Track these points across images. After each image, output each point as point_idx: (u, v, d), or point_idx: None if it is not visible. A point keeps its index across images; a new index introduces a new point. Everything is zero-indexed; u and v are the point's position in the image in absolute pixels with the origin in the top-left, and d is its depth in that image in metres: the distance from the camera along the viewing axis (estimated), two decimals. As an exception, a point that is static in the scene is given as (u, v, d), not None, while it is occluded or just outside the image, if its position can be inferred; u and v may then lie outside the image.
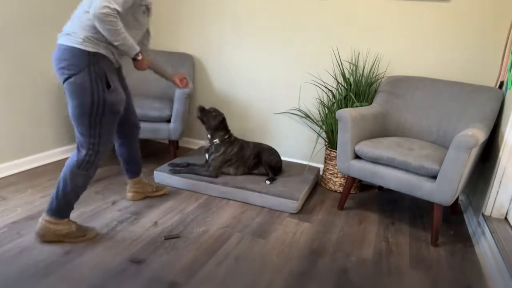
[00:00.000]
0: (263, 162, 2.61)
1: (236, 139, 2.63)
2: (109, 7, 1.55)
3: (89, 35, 1.63)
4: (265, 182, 2.50)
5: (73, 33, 1.64)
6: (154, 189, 2.38)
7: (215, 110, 2.53)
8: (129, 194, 2.31)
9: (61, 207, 1.77)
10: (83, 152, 1.73)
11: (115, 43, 1.65)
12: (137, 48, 1.74)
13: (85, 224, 1.93)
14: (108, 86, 1.67)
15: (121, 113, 1.79)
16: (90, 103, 1.64)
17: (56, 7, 2.70)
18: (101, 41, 1.65)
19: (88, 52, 1.63)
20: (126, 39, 1.66)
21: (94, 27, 1.62)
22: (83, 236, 1.82)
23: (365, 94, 2.64)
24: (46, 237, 1.78)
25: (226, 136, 2.55)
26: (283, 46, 2.96)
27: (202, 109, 2.50)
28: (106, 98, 1.66)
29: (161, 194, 2.41)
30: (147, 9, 1.82)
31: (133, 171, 2.26)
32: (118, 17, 1.60)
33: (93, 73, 1.63)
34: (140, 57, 1.77)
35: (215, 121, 2.50)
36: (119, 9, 1.59)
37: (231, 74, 3.20)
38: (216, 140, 2.53)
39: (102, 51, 1.66)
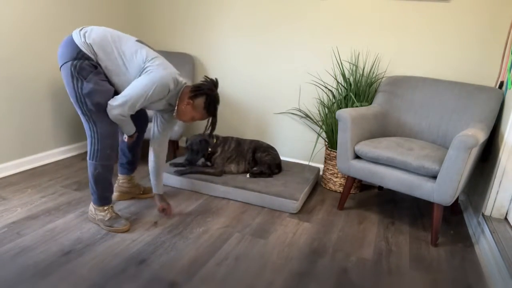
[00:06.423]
0: (257, 160, 2.63)
1: (228, 137, 2.68)
2: (122, 115, 1.77)
3: (93, 50, 1.72)
4: (247, 176, 2.56)
5: (86, 36, 1.73)
6: (142, 192, 2.35)
7: (191, 144, 2.53)
8: (115, 194, 2.29)
9: (93, 194, 1.96)
10: (88, 140, 1.85)
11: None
12: (133, 130, 1.96)
13: (114, 218, 1.98)
14: (85, 77, 1.71)
15: (102, 103, 1.75)
16: (74, 94, 1.75)
17: (58, 9, 2.70)
18: (95, 59, 1.74)
19: (80, 50, 1.71)
20: (127, 125, 1.89)
21: (103, 51, 1.74)
22: (110, 226, 1.95)
23: (365, 94, 2.64)
24: (89, 218, 2.04)
25: (215, 141, 2.61)
26: (283, 46, 2.96)
27: (190, 162, 2.56)
28: (83, 88, 1.71)
29: (149, 196, 2.34)
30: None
31: (128, 167, 2.25)
32: (128, 115, 1.82)
33: (76, 67, 1.70)
34: (133, 137, 2.01)
35: (203, 151, 2.55)
36: (131, 113, 1.80)
37: (231, 74, 3.20)
38: (210, 149, 2.58)
39: (92, 59, 1.74)
